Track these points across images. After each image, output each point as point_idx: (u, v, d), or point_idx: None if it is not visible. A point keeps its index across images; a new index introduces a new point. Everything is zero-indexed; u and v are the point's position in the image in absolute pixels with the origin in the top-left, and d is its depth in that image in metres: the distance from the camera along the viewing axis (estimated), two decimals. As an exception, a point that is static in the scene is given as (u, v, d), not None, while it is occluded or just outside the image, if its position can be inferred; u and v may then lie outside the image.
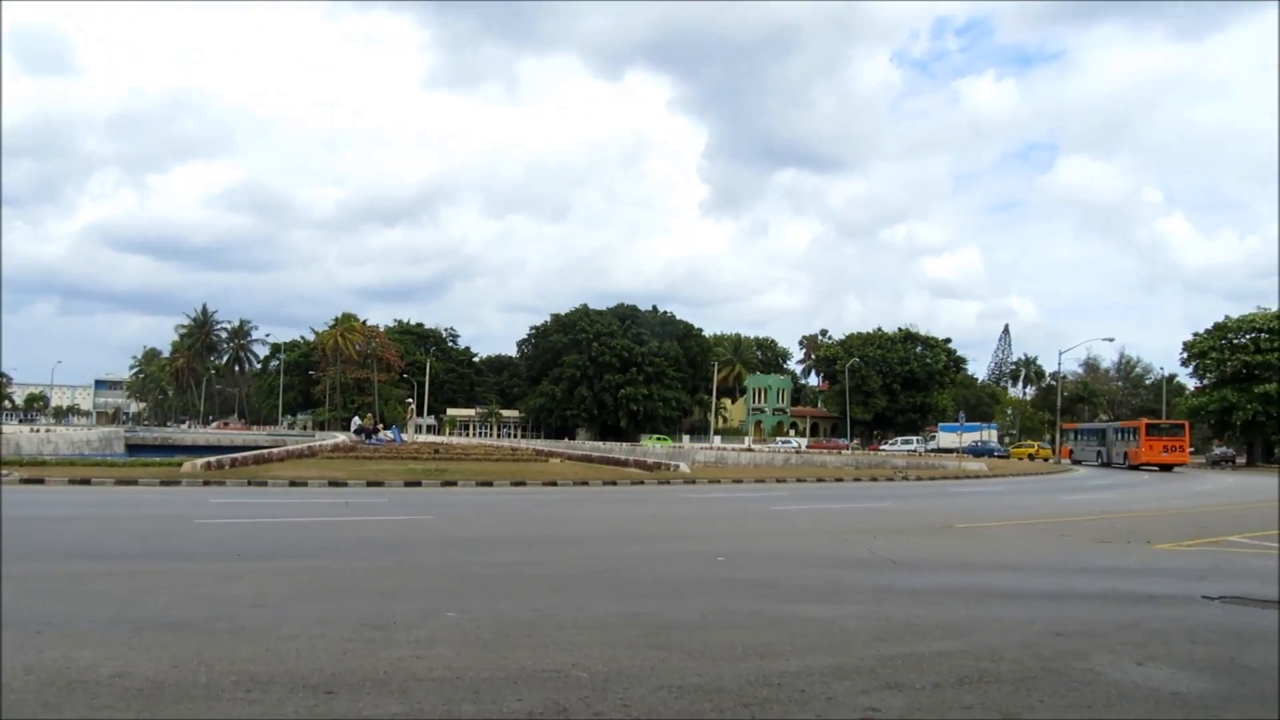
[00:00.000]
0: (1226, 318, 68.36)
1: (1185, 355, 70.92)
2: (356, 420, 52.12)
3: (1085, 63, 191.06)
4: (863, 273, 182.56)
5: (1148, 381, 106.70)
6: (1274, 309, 66.22)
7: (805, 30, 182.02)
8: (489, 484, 24.72)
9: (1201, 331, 69.55)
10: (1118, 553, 13.56)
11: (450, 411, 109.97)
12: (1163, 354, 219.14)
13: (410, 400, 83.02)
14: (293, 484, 22.67)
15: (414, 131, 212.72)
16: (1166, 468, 52.51)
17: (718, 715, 4.92)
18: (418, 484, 23.82)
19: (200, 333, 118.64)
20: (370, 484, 23.30)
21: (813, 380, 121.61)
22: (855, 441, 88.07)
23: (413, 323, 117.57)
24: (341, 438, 45.51)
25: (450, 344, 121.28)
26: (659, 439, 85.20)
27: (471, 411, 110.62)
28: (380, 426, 54.60)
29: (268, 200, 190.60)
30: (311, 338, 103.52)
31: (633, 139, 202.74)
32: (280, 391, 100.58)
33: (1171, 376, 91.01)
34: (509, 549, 12.31)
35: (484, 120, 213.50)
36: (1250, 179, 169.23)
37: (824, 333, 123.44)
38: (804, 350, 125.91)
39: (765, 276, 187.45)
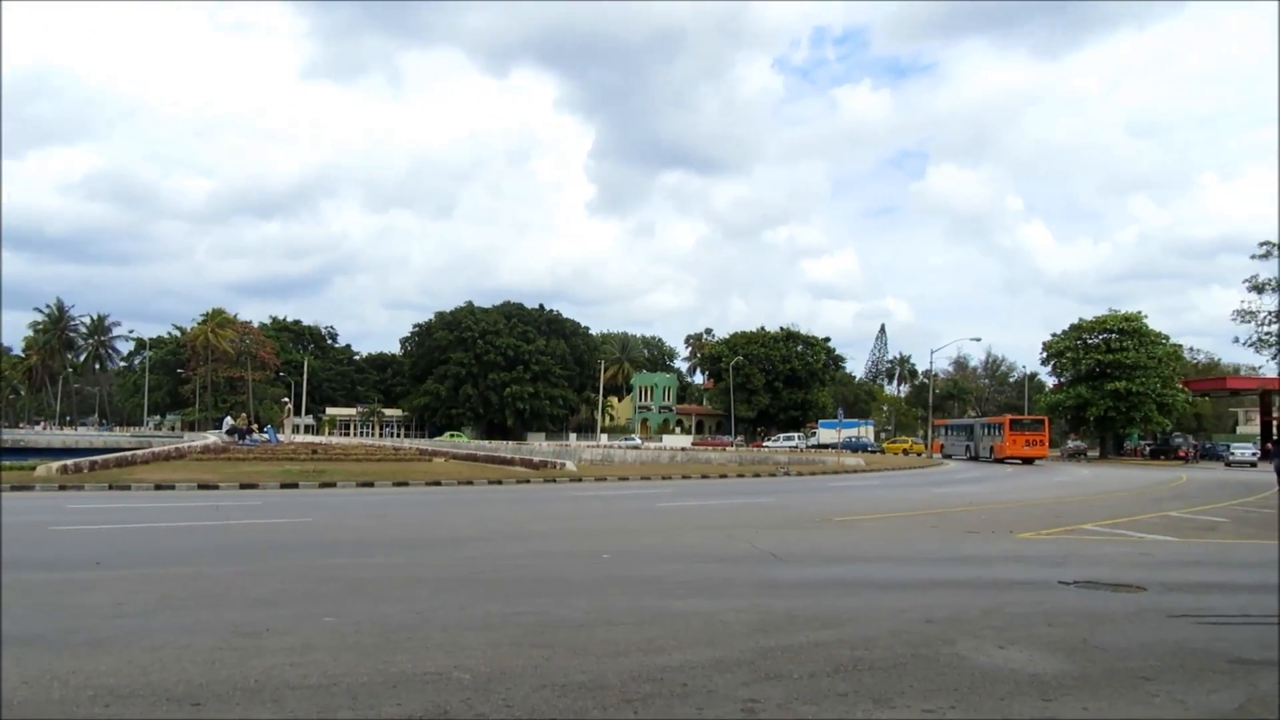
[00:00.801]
0: (1081, 319, 72.72)
1: (1045, 355, 75.13)
2: (229, 420, 50.06)
3: (954, 76, 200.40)
4: (746, 273, 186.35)
5: (1012, 379, 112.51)
6: (1124, 311, 70.76)
7: (690, 34, 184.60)
8: (370, 485, 24.12)
9: (1059, 332, 73.77)
10: (984, 542, 14.23)
11: (330, 411, 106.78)
12: (1025, 353, 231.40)
13: (287, 399, 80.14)
14: (159, 487, 21.61)
15: (291, 122, 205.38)
16: (1028, 461, 55.42)
17: (601, 712, 4.93)
18: (295, 486, 23.04)
19: (55, 328, 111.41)
20: (244, 486, 22.41)
21: (698, 378, 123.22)
22: (739, 439, 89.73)
23: (289, 319, 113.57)
24: (213, 438, 43.62)
25: (329, 341, 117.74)
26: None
27: (352, 411, 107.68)
28: (255, 427, 52.61)
29: (132, 189, 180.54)
30: (180, 334, 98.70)
31: (519, 136, 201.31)
32: (146, 391, 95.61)
33: (1033, 375, 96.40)
34: (390, 551, 12.04)
35: (366, 113, 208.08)
36: (1102, 190, 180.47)
37: (709, 331, 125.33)
38: (689, 349, 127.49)
39: (652, 276, 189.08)
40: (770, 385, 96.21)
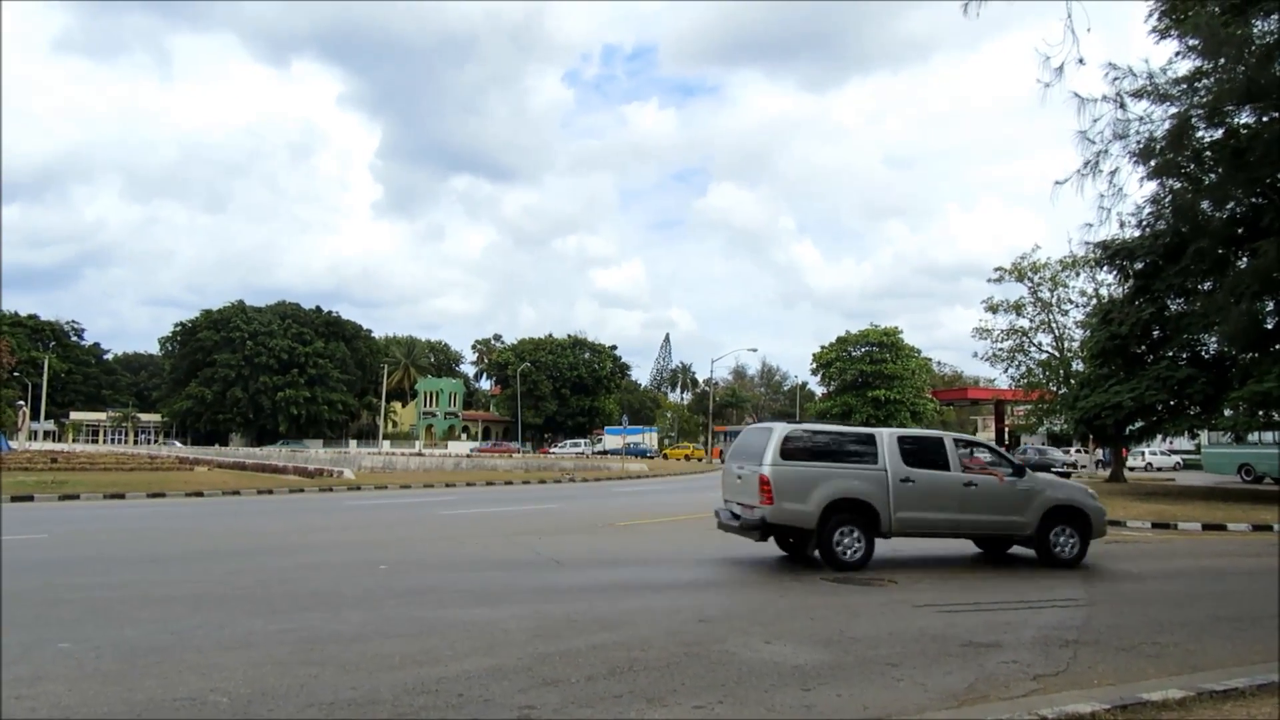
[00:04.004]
0: (847, 332, 78.29)
1: (815, 365, 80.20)
2: (-51, 426, 44.35)
3: (733, 100, 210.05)
4: (536, 280, 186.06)
5: (785, 387, 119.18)
6: (884, 326, 76.82)
7: (482, 41, 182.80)
8: (120, 496, 22.12)
9: (827, 344, 78.96)
10: (756, 543, 14.93)
11: (75, 415, 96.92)
12: (797, 363, 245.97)
13: (22, 403, 71.90)
14: None
15: (39, 97, 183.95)
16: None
17: (371, 728, 4.77)
18: (29, 498, 20.72)
19: None
20: (-35, 500, 19.92)
21: (485, 384, 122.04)
22: (527, 445, 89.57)
23: (24, 314, 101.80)
24: (-72, 447, 38.49)
25: (74, 339, 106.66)
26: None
27: (102, 415, 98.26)
28: (-18, 433, 46.90)
29: None
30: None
31: (300, 131, 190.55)
32: None
33: (804, 384, 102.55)
34: (141, 568, 11.07)
35: (128, 94, 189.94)
36: (863, 214, 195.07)
37: (497, 337, 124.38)
38: (477, 354, 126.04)
39: (439, 280, 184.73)
40: (558, 392, 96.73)
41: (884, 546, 14.65)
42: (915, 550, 14.23)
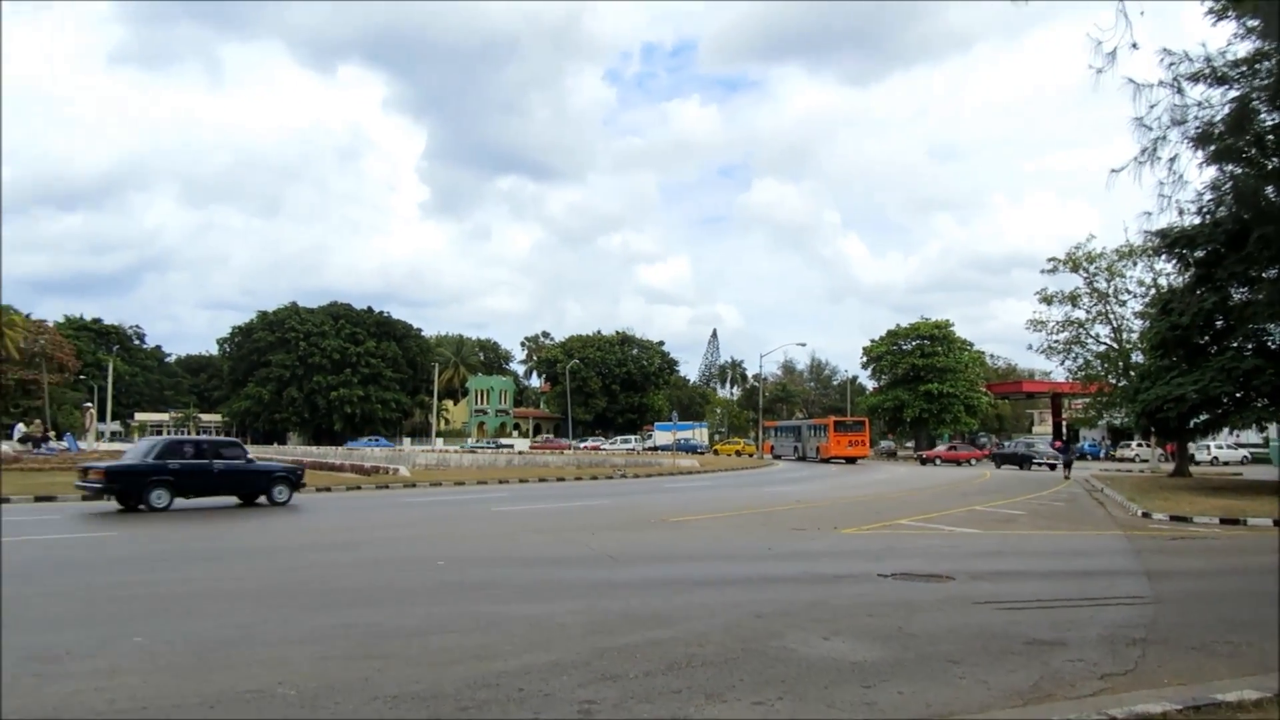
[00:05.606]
0: (897, 326, 77.20)
1: (865, 359, 79.35)
2: (20, 427, 45.83)
3: (774, 96, 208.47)
4: (582, 278, 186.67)
5: (835, 382, 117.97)
6: (934, 319, 75.69)
7: (523, 43, 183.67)
8: (185, 495, 22.65)
9: (877, 338, 78.03)
10: (809, 538, 14.87)
11: (139, 416, 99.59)
12: (846, 358, 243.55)
13: (90, 404, 74.08)
14: (-64, 502, 19.52)
15: (98, 109, 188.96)
16: (851, 460, 58.23)
17: (435, 721, 4.83)
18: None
19: None
20: (39, 499, 20.58)
21: (535, 381, 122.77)
22: (589, 441, 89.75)
23: (88, 318, 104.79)
24: (4, 447, 39.81)
25: (137, 343, 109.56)
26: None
27: (165, 416, 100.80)
28: (52, 434, 48.38)
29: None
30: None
31: (349, 135, 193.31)
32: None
33: (854, 378, 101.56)
34: (207, 563, 11.35)
35: (183, 104, 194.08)
36: (908, 208, 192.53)
37: (545, 335, 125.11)
38: (526, 352, 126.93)
39: (487, 279, 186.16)
40: (607, 388, 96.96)
41: (939, 541, 14.50)
42: (971, 547, 14.05)
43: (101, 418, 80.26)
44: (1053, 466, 47.64)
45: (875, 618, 7.89)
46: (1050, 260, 45.10)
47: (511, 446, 72.09)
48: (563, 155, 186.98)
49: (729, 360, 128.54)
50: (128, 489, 18.32)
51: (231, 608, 8.08)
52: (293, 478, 20.64)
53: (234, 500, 19.79)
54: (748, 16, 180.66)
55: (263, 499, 19.89)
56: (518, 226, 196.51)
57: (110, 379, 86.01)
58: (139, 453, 19.57)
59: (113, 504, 18.84)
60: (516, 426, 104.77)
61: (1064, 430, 71.76)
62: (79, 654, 6.18)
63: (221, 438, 25.13)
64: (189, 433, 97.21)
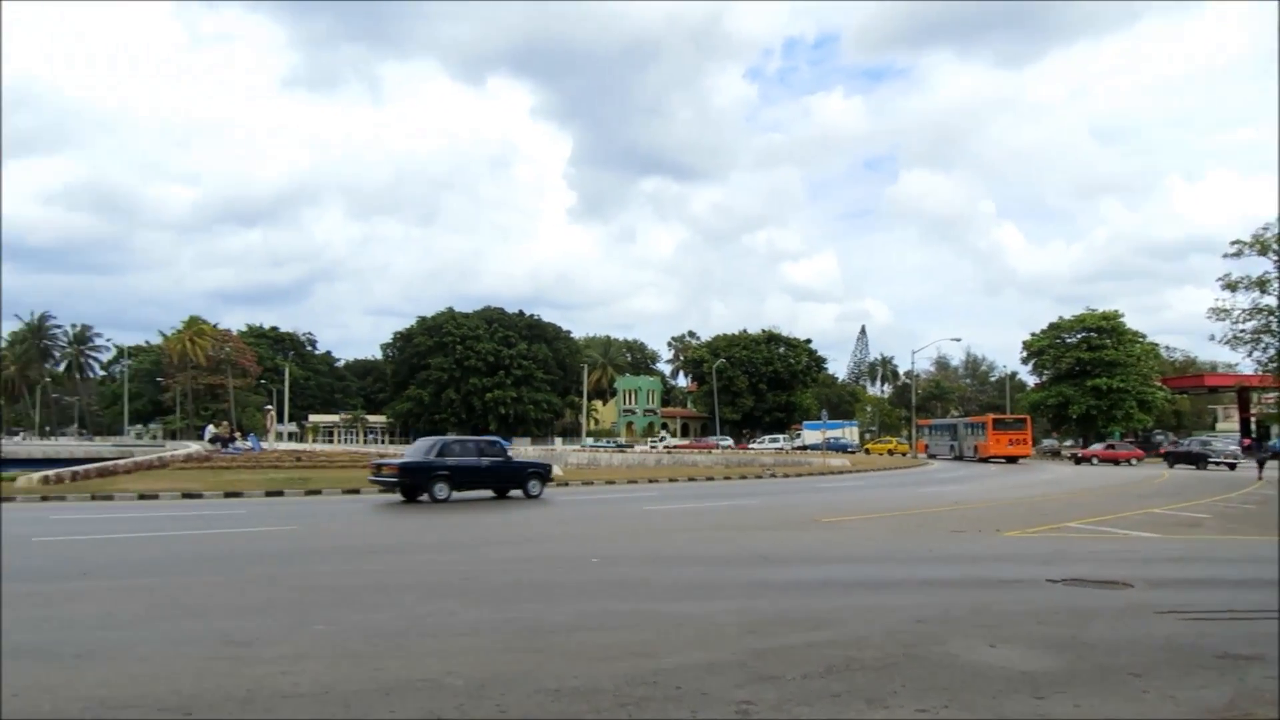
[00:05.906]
0: (1060, 318, 73.26)
1: (1025, 354, 75.69)
2: (211, 429, 49.58)
3: (922, 84, 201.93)
4: (726, 277, 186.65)
5: (993, 378, 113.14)
6: (1101, 310, 71.34)
7: (664, 45, 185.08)
8: (355, 491, 23.99)
9: (1038, 331, 74.23)
10: (971, 541, 14.31)
11: (313, 418, 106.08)
12: (1004, 352, 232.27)
13: (270, 406, 79.56)
14: (142, 497, 21.42)
15: (273, 131, 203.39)
16: (1012, 459, 55.72)
17: (595, 716, 4.92)
18: (280, 494, 22.89)
19: (33, 338, 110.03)
20: (228, 495, 22.25)
21: (681, 381, 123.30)
22: (745, 440, 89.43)
23: (267, 327, 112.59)
24: (195, 447, 43.23)
25: (309, 348, 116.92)
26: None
27: (336, 417, 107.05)
28: (238, 435, 52.17)
29: (113, 199, 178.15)
30: (163, 340, 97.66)
31: (498, 144, 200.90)
32: (126, 400, 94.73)
33: (1013, 374, 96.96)
34: (377, 558, 11.98)
35: (346, 122, 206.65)
36: (1071, 193, 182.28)
37: (691, 334, 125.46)
38: (673, 352, 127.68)
39: (633, 281, 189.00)
40: (754, 387, 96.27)
41: (1113, 545, 13.65)
42: (1151, 552, 13.19)
43: (280, 419, 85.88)
44: (1232, 466, 44.19)
45: (1045, 625, 7.50)
46: (1234, 243, 41.51)
47: (671, 445, 72.46)
48: (705, 155, 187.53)
49: (879, 357, 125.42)
50: (416, 483, 20.56)
51: (400, 600, 8.48)
52: (544, 473, 23.14)
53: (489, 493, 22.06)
54: (894, 4, 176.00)
55: (517, 491, 22.19)
56: (662, 228, 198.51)
57: (287, 383, 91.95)
58: (420, 450, 21.77)
59: (295, 496, 20.15)
60: (664, 426, 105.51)
61: (1253, 427, 66.21)
62: (268, 640, 6.63)
63: (483, 437, 27.68)
64: (358, 433, 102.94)
